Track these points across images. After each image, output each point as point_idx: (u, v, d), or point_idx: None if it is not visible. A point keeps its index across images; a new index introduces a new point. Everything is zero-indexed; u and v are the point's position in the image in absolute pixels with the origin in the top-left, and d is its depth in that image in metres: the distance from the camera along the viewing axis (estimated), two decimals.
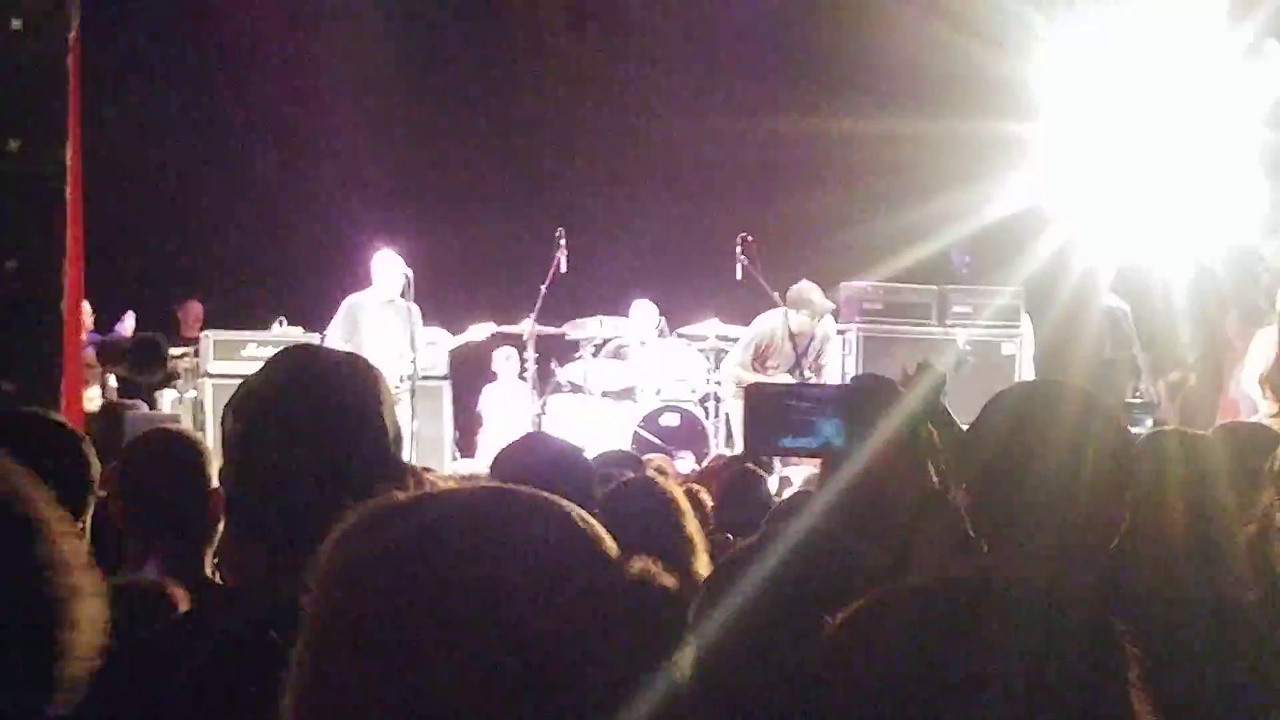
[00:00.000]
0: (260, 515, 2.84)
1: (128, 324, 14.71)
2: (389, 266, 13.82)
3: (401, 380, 13.35)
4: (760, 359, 14.28)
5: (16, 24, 10.21)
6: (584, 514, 1.79)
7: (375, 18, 17.79)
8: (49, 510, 1.72)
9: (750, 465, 7.03)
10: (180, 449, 4.42)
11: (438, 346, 14.52)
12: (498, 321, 15.03)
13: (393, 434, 2.92)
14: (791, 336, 14.07)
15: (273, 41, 17.72)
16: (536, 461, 4.54)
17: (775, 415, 3.09)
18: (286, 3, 17.91)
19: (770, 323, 14.25)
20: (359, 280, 14.29)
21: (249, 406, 2.91)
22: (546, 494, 1.82)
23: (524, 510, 1.78)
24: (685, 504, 4.66)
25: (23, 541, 1.70)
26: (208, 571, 4.22)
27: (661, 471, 7.38)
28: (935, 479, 3.03)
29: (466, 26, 18.34)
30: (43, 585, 1.69)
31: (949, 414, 3.40)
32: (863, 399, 3.04)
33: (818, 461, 3.84)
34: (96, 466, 3.59)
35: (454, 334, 14.70)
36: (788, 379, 13.79)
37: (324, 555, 1.74)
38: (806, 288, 14.17)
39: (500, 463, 4.70)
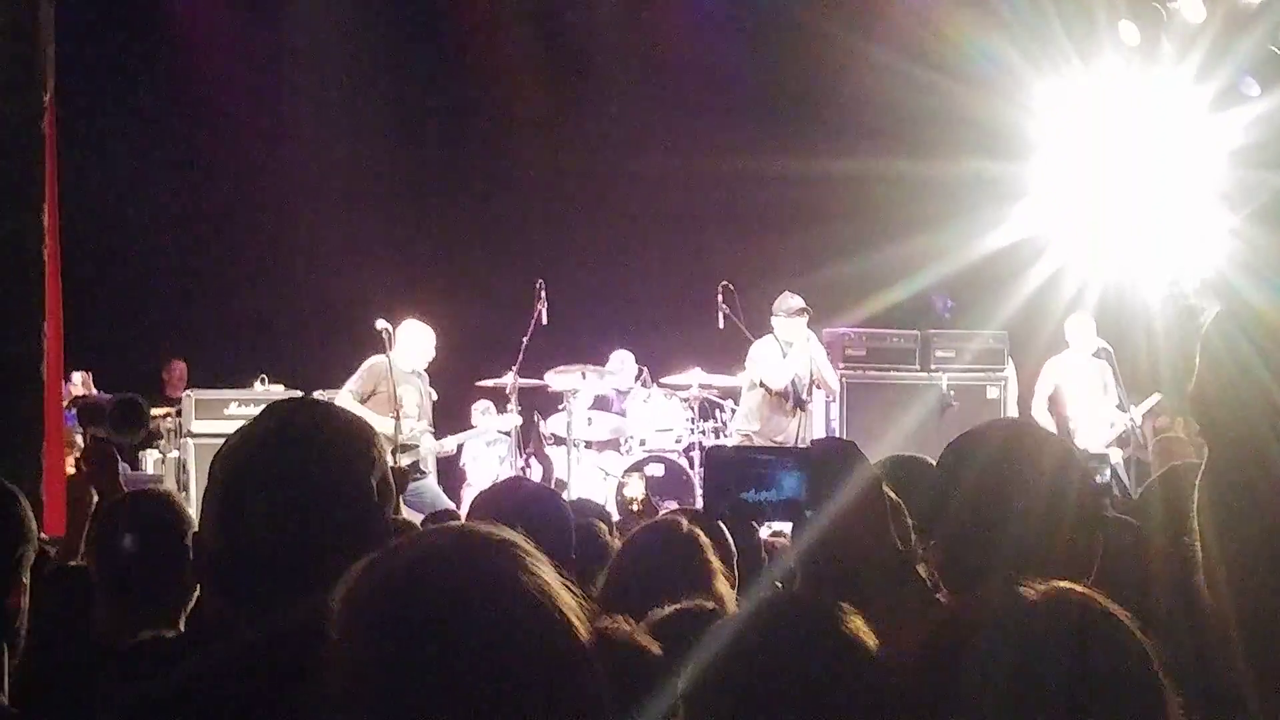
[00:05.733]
0: (236, 566, 2.82)
1: (75, 382, 14.59)
2: (420, 337, 13.62)
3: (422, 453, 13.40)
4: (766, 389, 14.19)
5: None
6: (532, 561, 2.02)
7: (355, 77, 17.81)
8: None
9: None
10: (158, 511, 4.39)
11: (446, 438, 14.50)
12: (478, 375, 15.03)
13: (380, 492, 2.89)
14: (783, 349, 14.05)
15: (253, 102, 17.75)
16: (513, 505, 4.54)
17: (734, 472, 3.07)
18: (266, 62, 17.92)
19: (765, 348, 14.18)
20: (343, 337, 14.27)
21: (234, 458, 2.88)
22: (504, 540, 2.05)
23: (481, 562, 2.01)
24: (707, 545, 4.76)
25: None
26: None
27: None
28: (899, 542, 3.02)
29: (445, 80, 18.35)
30: None
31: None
32: (824, 457, 3.02)
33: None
34: (33, 522, 3.57)
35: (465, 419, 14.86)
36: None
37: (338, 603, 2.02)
38: (780, 298, 14.15)
39: (478, 508, 4.71)
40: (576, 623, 2.00)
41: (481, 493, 4.96)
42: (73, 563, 5.18)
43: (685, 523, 4.92)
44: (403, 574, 2.00)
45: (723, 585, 4.69)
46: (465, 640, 1.92)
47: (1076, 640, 1.99)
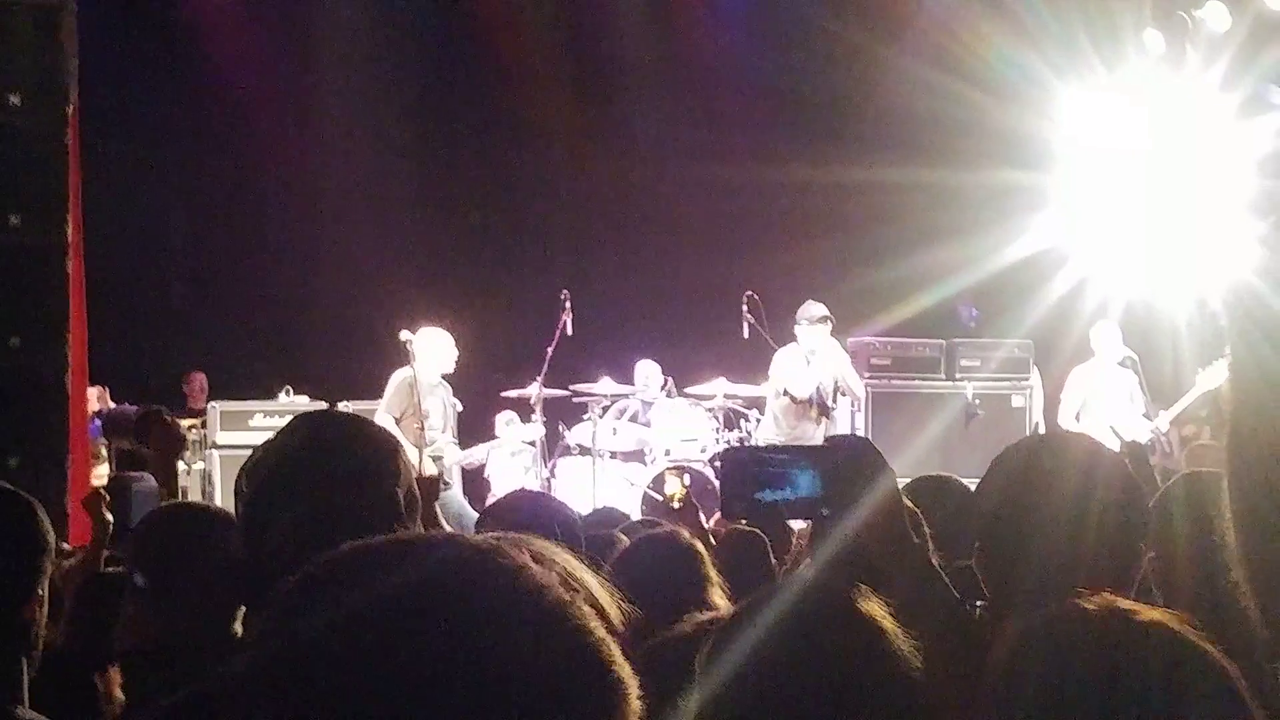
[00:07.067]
0: (262, 578, 2.83)
1: (90, 396, 14.57)
2: (440, 344, 13.46)
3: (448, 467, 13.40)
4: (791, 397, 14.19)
5: (15, 100, 10.24)
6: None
7: (377, 84, 17.82)
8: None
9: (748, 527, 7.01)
10: (203, 520, 4.42)
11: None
12: (503, 385, 14.99)
13: (406, 505, 2.90)
14: (807, 357, 14.04)
15: (276, 113, 17.76)
16: (521, 519, 4.54)
17: (749, 472, 3.05)
18: (289, 74, 17.94)
19: (788, 356, 14.17)
20: (366, 348, 14.26)
21: (262, 470, 2.90)
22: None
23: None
24: (704, 552, 4.76)
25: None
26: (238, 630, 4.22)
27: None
28: (926, 546, 3.01)
29: (469, 91, 18.36)
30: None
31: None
32: (840, 456, 3.00)
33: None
34: (50, 534, 3.57)
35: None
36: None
37: None
38: (804, 306, 14.13)
39: (487, 519, 4.73)
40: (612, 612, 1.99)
41: (485, 509, 5.00)
42: (111, 570, 5.21)
43: (686, 534, 4.92)
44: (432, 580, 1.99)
45: (718, 596, 4.69)
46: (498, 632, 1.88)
47: (1166, 673, 1.97)
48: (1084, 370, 14.56)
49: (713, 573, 4.75)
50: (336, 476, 2.87)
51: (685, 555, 4.73)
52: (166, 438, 6.09)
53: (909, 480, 4.99)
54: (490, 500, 15.34)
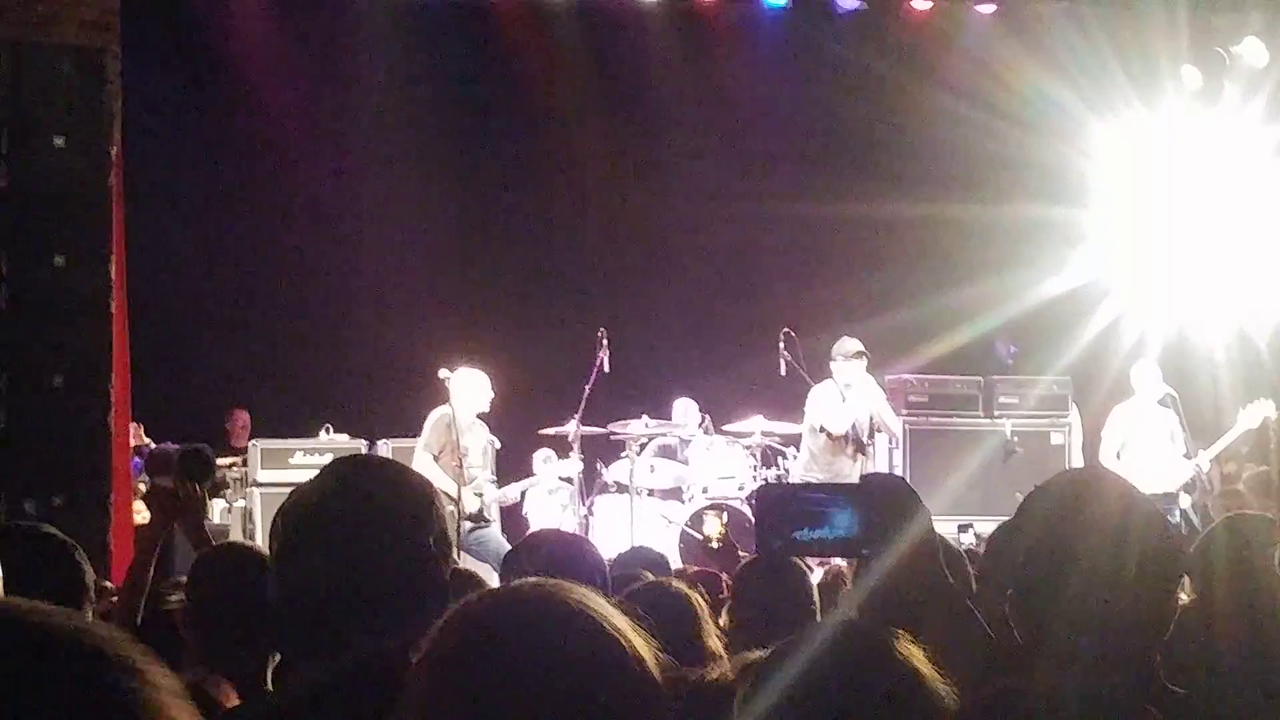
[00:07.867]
0: (293, 621, 2.87)
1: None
2: (476, 384, 13.57)
3: (485, 505, 13.43)
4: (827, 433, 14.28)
5: (59, 141, 10.34)
6: (611, 616, 2.06)
7: (416, 125, 17.88)
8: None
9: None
10: (251, 561, 4.47)
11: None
12: (541, 423, 15.00)
13: (437, 549, 2.93)
14: (843, 393, 14.12)
15: (316, 152, 17.83)
16: (553, 559, 4.55)
17: (786, 510, 3.05)
18: (330, 114, 18.02)
19: (824, 392, 14.23)
20: (406, 386, 14.29)
21: (295, 515, 2.93)
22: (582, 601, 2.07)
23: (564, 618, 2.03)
24: (700, 604, 4.78)
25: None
26: (268, 684, 4.26)
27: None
28: (964, 587, 3.02)
29: (506, 129, 18.40)
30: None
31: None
32: (876, 494, 3.01)
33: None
34: (90, 574, 3.60)
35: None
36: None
37: (424, 647, 2.05)
38: (839, 342, 14.21)
39: (516, 558, 4.75)
40: (650, 662, 2.04)
41: (513, 549, 5.02)
42: (166, 608, 5.25)
43: (676, 583, 4.93)
44: (483, 619, 2.04)
45: (714, 643, 4.70)
46: (546, 676, 1.95)
47: None
48: (1124, 409, 14.52)
49: (708, 620, 4.77)
50: (369, 523, 2.89)
51: (677, 604, 4.75)
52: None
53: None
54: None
